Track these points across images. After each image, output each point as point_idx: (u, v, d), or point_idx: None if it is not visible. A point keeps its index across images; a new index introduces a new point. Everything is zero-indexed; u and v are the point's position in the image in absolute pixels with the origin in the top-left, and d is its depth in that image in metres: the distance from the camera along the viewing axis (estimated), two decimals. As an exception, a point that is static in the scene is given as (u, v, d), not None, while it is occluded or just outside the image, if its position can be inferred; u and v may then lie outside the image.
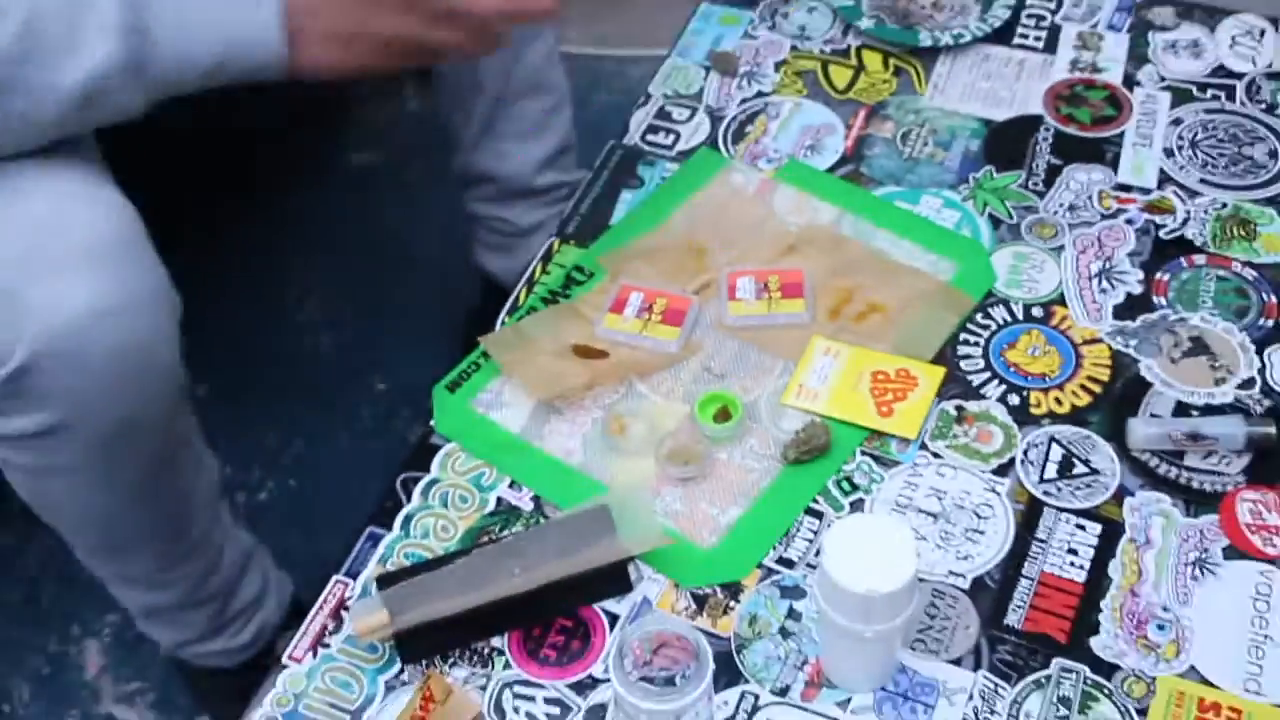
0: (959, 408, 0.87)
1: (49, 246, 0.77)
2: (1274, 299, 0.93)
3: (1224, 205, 1.00)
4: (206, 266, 1.47)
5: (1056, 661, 0.75)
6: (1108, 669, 0.74)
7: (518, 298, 0.97)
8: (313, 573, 0.93)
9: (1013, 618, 0.77)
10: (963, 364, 0.90)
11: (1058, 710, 0.73)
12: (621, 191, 1.05)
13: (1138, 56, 1.14)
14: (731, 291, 0.93)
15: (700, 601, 0.79)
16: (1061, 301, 0.94)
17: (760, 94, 1.12)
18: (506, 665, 0.78)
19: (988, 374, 0.89)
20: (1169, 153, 1.05)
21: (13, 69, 0.74)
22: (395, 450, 1.06)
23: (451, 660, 0.77)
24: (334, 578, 0.82)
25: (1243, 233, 0.98)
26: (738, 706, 0.75)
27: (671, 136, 1.09)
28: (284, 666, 0.78)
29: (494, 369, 0.91)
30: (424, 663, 0.77)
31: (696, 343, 0.92)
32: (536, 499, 0.85)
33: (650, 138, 1.09)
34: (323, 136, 1.77)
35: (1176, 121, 1.08)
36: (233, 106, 1.09)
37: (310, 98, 1.63)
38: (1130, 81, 1.11)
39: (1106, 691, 0.73)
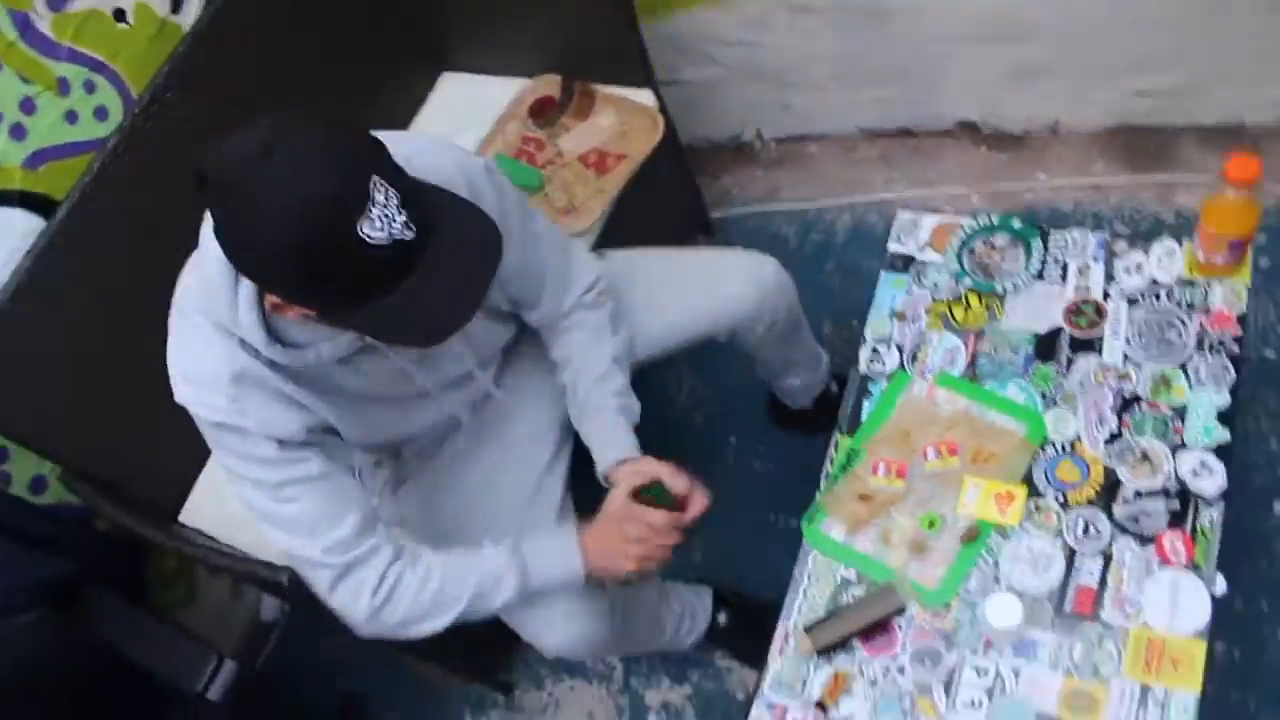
0: (1035, 505, 1.91)
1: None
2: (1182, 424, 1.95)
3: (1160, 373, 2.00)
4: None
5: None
6: None
7: (827, 472, 2.03)
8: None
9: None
10: (1035, 482, 1.92)
11: None
12: (864, 399, 2.09)
13: (1109, 277, 2.10)
14: (925, 455, 1.99)
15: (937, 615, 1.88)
16: (1078, 439, 1.96)
17: (920, 330, 2.13)
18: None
19: (1045, 483, 1.92)
20: (1128, 340, 2.04)
21: (481, 601, 1.85)
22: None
23: (840, 651, 1.88)
24: (781, 624, 1.93)
25: (1166, 388, 1.99)
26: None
27: (880, 364, 2.12)
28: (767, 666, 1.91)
29: (824, 509, 1.99)
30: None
31: (913, 485, 1.97)
32: (856, 573, 1.93)
33: (872, 366, 2.12)
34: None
35: (1132, 320, 2.05)
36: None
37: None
38: (1105, 295, 2.08)
39: None
